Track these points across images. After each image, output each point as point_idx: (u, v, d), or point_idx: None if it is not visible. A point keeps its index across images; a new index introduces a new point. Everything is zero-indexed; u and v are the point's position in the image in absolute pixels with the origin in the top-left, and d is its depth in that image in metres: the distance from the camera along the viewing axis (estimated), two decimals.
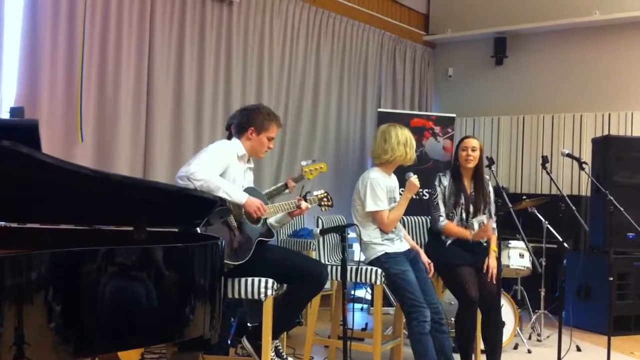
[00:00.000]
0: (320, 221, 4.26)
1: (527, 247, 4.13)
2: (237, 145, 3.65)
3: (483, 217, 4.36)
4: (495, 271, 4.14)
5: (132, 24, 4.96)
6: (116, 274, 2.32)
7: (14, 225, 2.92)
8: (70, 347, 2.19)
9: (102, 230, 3.00)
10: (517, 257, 4.90)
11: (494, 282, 4.10)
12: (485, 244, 4.36)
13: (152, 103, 5.13)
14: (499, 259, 4.06)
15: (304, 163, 4.12)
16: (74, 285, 2.20)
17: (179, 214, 2.83)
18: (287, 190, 3.96)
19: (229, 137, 3.77)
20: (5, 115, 4.10)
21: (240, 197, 3.44)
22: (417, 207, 4.87)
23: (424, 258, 4.24)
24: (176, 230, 3.01)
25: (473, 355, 4.25)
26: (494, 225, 4.39)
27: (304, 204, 3.77)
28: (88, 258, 2.25)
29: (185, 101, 5.38)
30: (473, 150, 4.33)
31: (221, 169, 3.48)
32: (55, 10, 4.47)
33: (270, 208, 3.67)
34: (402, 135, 4.12)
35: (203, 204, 2.86)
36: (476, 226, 4.33)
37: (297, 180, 4.01)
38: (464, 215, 4.33)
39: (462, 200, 4.33)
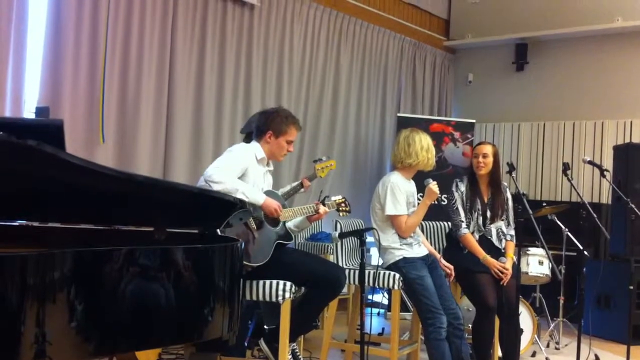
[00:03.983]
0: (339, 225, 4.27)
1: (547, 254, 4.10)
2: (256, 149, 3.66)
3: (501, 224, 4.34)
4: (509, 275, 4.12)
5: (154, 27, 5.00)
6: (137, 273, 2.34)
7: (35, 224, 2.95)
8: (90, 346, 2.20)
9: (122, 231, 3.02)
10: (537, 264, 4.87)
11: (505, 284, 4.09)
12: (503, 251, 4.33)
13: (172, 105, 5.16)
14: (518, 265, 4.04)
15: (315, 161, 4.13)
16: (95, 285, 2.22)
17: (199, 215, 2.85)
18: (302, 190, 3.97)
19: (248, 141, 3.79)
20: (31, 115, 4.14)
21: (258, 198, 3.45)
22: (436, 212, 4.85)
23: (444, 263, 4.23)
24: (196, 231, 3.03)
25: None
26: (512, 232, 4.37)
27: (322, 209, 3.78)
28: (110, 257, 2.27)
29: (206, 103, 5.41)
30: (484, 157, 4.30)
31: (239, 171, 3.49)
32: (79, 12, 4.51)
33: (289, 211, 3.68)
34: (425, 141, 4.14)
35: (223, 206, 2.87)
36: (494, 232, 4.31)
37: (311, 178, 4.02)
38: (480, 220, 4.31)
39: (479, 206, 4.31)
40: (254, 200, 3.43)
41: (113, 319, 2.26)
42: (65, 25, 4.45)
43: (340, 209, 3.94)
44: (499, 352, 4.35)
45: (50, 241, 2.79)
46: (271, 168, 3.81)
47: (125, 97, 4.85)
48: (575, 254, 5.08)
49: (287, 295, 3.43)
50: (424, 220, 4.27)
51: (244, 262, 3.22)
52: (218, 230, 3.12)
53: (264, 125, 3.69)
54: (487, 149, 4.32)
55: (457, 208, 4.31)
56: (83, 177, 2.31)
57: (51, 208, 2.70)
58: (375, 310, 6.50)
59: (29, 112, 4.22)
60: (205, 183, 3.32)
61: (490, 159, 4.31)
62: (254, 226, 3.49)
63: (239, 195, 3.30)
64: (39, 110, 3.58)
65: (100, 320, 2.22)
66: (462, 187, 4.35)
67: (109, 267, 2.25)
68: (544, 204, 5.55)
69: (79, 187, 2.42)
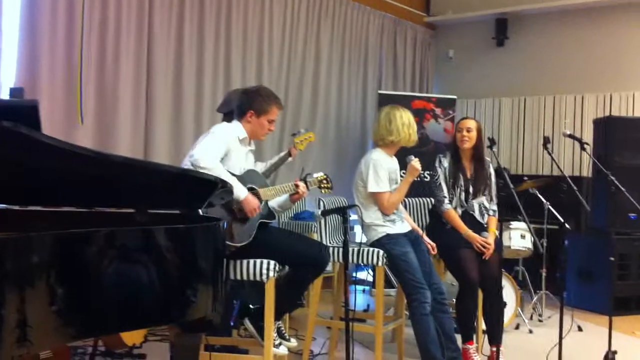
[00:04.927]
0: (321, 203, 4.26)
1: (528, 228, 4.12)
2: (237, 128, 3.63)
3: (483, 199, 4.36)
4: (492, 249, 4.15)
5: (131, 6, 4.93)
6: (118, 255, 2.31)
7: (15, 207, 2.91)
8: (72, 329, 2.18)
9: (103, 213, 2.98)
10: (518, 238, 4.91)
11: (488, 258, 4.12)
12: (485, 226, 4.35)
13: (152, 85, 5.11)
14: (500, 239, 4.06)
15: (294, 134, 4.10)
16: (76, 267, 2.19)
17: (180, 196, 2.82)
18: (290, 159, 3.95)
19: (229, 120, 3.75)
20: (5, 96, 4.08)
21: (240, 194, 3.41)
22: (419, 188, 4.86)
23: (426, 239, 4.24)
24: (178, 212, 3.01)
25: (474, 336, 4.27)
26: (495, 207, 4.39)
27: (301, 185, 3.75)
28: (90, 239, 2.24)
29: (185, 83, 5.36)
30: (468, 131, 4.31)
31: (222, 153, 3.47)
32: None
33: (271, 191, 3.66)
34: (405, 117, 4.13)
35: (205, 186, 2.85)
36: (476, 208, 4.33)
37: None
38: (463, 196, 4.32)
39: (462, 182, 4.32)
40: (236, 195, 3.39)
41: (95, 301, 2.23)
42: (41, 5, 4.37)
43: (322, 186, 3.92)
44: (482, 326, 4.39)
45: (31, 225, 2.76)
46: (253, 148, 3.78)
47: (103, 77, 4.79)
48: (556, 227, 5.11)
49: (271, 274, 3.42)
50: (406, 196, 4.27)
51: (228, 242, 3.20)
52: (200, 210, 3.10)
53: (245, 105, 3.65)
54: (471, 124, 4.34)
55: (440, 184, 4.32)
56: (61, 158, 2.27)
57: (30, 191, 2.67)
58: (359, 287, 6.53)
59: (3, 94, 4.16)
60: (191, 165, 3.30)
61: (474, 134, 4.31)
62: (237, 206, 3.46)
63: None
64: (13, 91, 3.53)
65: (82, 303, 2.19)
66: (445, 163, 4.36)
67: (90, 250, 2.22)
68: (525, 178, 5.59)
69: (58, 169, 2.38)
